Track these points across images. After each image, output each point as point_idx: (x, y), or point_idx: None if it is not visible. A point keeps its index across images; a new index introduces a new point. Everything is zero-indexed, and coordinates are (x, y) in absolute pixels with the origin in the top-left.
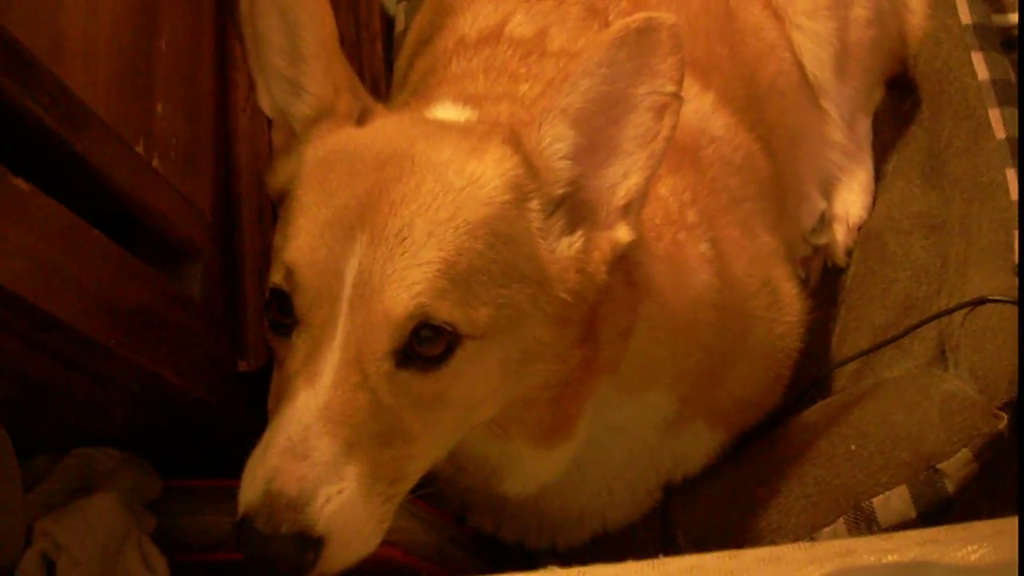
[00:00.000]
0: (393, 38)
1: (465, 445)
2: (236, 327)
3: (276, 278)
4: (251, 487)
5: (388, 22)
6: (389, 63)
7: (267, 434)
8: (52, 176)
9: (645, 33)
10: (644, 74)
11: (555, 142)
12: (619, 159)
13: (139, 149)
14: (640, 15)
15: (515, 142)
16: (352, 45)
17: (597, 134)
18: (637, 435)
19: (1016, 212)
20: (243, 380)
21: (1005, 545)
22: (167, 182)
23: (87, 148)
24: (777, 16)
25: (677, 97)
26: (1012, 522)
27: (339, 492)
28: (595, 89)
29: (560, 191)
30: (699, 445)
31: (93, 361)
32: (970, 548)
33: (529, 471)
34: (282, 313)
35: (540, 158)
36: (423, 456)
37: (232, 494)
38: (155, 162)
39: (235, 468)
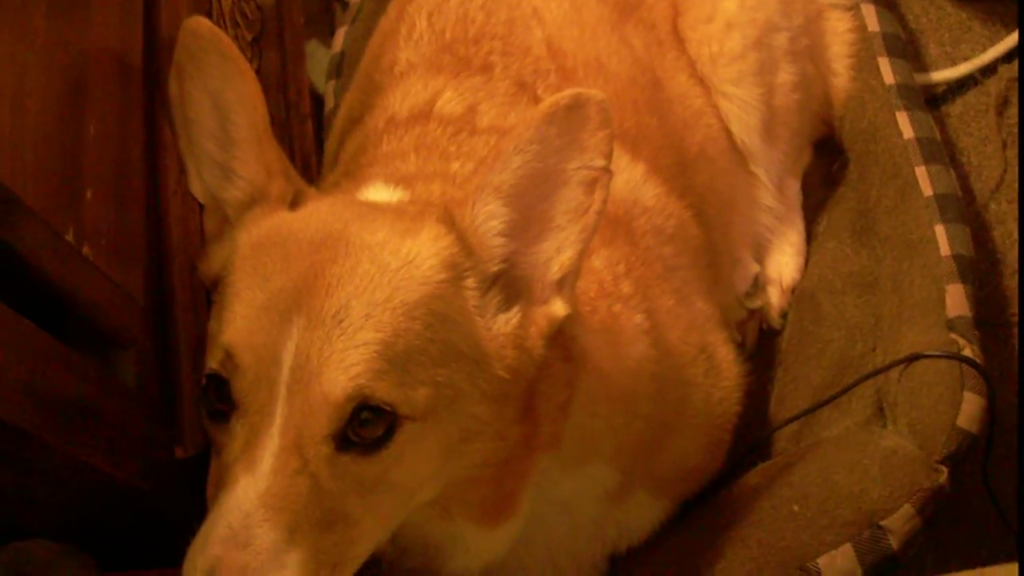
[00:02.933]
0: (323, 117)
1: (408, 526)
2: (172, 414)
3: (213, 363)
4: None
5: (318, 101)
6: (320, 142)
7: (207, 522)
8: None
9: (574, 109)
10: (574, 149)
11: (489, 219)
12: (552, 234)
13: (69, 237)
14: (568, 91)
15: (449, 221)
16: (282, 125)
17: (530, 210)
18: (580, 508)
19: (947, 268)
20: (180, 467)
21: None
22: (98, 270)
23: (16, 237)
24: (703, 84)
25: (607, 171)
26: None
27: None
28: (527, 166)
29: (495, 268)
30: (643, 515)
31: (24, 453)
32: None
33: (473, 550)
34: (219, 399)
35: (475, 236)
36: (366, 540)
37: None
38: (85, 250)
39: (175, 557)
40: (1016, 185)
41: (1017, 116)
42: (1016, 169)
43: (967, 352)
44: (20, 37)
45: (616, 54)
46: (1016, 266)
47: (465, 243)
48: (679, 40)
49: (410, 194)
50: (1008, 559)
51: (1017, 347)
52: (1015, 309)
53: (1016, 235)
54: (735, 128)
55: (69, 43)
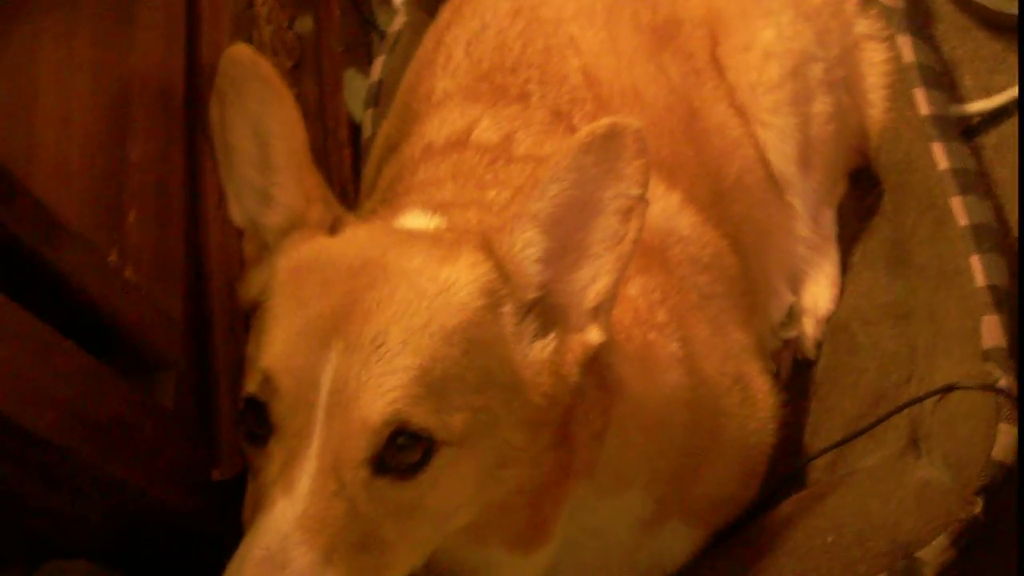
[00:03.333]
0: (360, 144)
1: (442, 552)
2: (209, 435)
3: (251, 387)
4: None
5: (355, 129)
6: (357, 170)
7: (244, 544)
8: (25, 287)
9: (610, 138)
10: (610, 178)
11: (526, 247)
12: (588, 262)
13: (112, 259)
14: (605, 120)
15: (487, 248)
16: (319, 152)
17: (566, 238)
18: (613, 536)
19: (982, 298)
20: (217, 489)
21: None
22: (140, 292)
23: (60, 259)
24: (741, 114)
25: (643, 200)
26: None
27: None
28: (564, 194)
29: (532, 295)
30: (676, 544)
31: (65, 472)
32: None
33: None
34: (257, 422)
35: (512, 263)
36: (401, 564)
37: None
38: (128, 272)
39: None
40: None
41: None
42: None
43: (1003, 383)
44: (66, 63)
45: (653, 83)
46: None
47: (503, 270)
48: (717, 69)
49: (447, 221)
50: None
51: None
52: None
53: None
54: (772, 157)
55: (113, 69)
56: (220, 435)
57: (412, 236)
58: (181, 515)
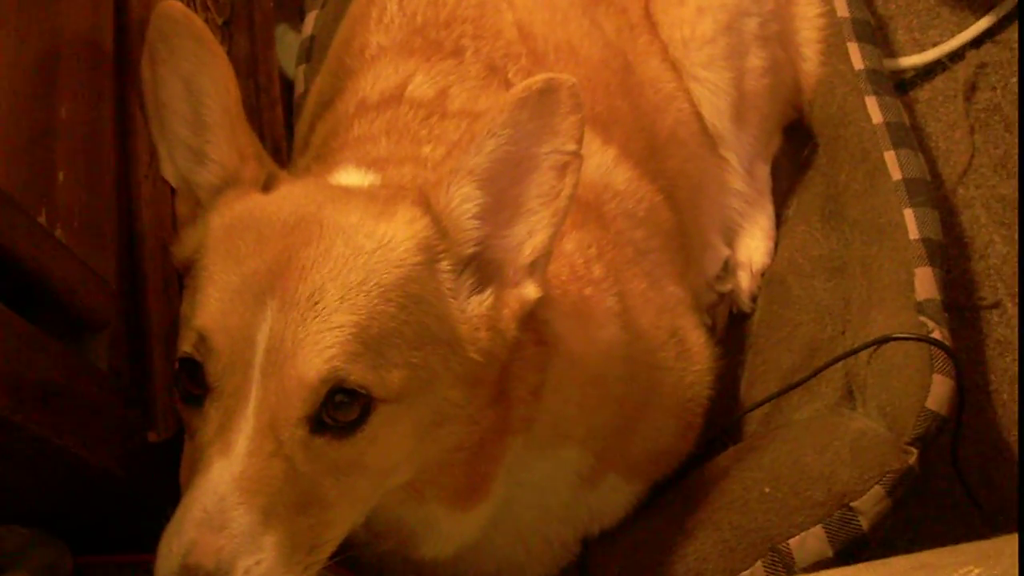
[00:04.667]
0: (293, 101)
1: (381, 510)
2: (144, 397)
3: (186, 347)
4: (167, 561)
5: (287, 85)
6: (290, 127)
7: (181, 506)
8: None
9: (546, 94)
10: (546, 134)
11: (463, 203)
12: (524, 218)
13: (41, 219)
14: (540, 76)
15: (424, 203)
16: (252, 110)
17: (503, 193)
18: (552, 491)
19: (916, 251)
20: (153, 451)
21: (999, 564)
22: (71, 252)
23: None
24: (675, 68)
25: (578, 156)
26: (1000, 542)
27: (257, 563)
28: (500, 150)
29: (469, 251)
30: (614, 497)
31: None
32: (966, 569)
33: (446, 534)
34: (193, 383)
35: (449, 218)
36: (340, 523)
37: (147, 569)
38: (58, 232)
39: (149, 542)
40: (983, 170)
41: (984, 102)
42: (983, 155)
43: (936, 335)
44: None
45: (587, 37)
46: (983, 251)
47: (440, 226)
48: (651, 24)
49: (382, 178)
50: (976, 538)
51: (984, 331)
52: (982, 293)
53: (984, 219)
54: (706, 112)
55: (40, 26)
56: (155, 397)
57: (348, 193)
58: (117, 478)
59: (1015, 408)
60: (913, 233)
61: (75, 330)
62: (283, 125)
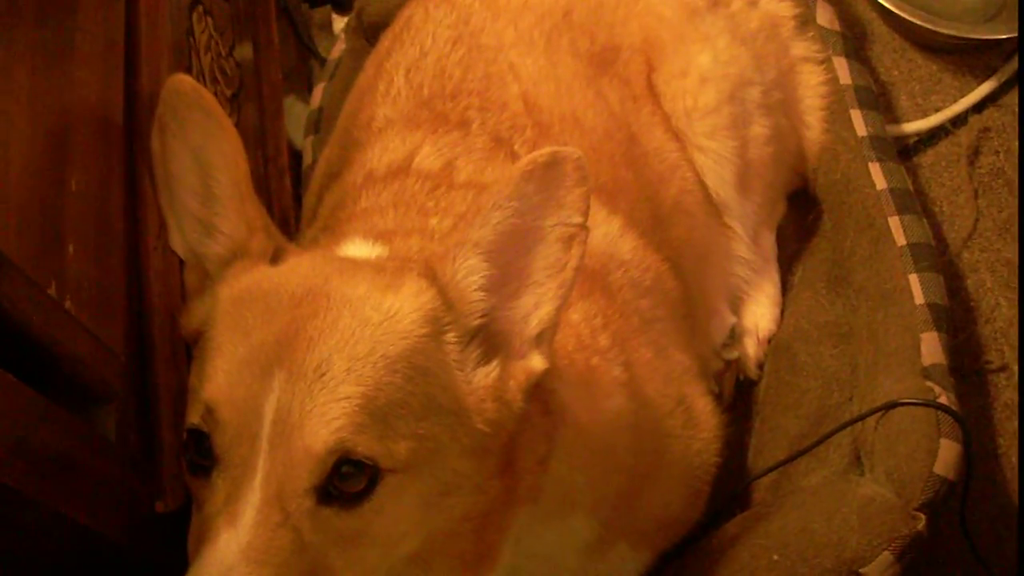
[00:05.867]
0: (301, 172)
1: None
2: (152, 468)
3: (194, 418)
4: None
5: (296, 156)
6: (298, 197)
7: None
8: None
9: (551, 167)
10: (552, 206)
11: (469, 275)
12: (530, 289)
13: (52, 291)
14: (546, 149)
15: (430, 275)
16: (260, 180)
17: (509, 265)
18: (560, 561)
19: (921, 316)
20: (161, 521)
21: None
22: (80, 324)
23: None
24: (678, 138)
25: (584, 228)
26: None
27: None
28: (506, 222)
29: (475, 322)
30: (623, 567)
31: (6, 508)
32: None
33: None
34: (200, 454)
35: (455, 290)
36: None
37: None
38: (68, 303)
39: None
40: (987, 234)
41: (988, 166)
42: (988, 219)
43: (943, 399)
44: (3, 93)
45: (592, 108)
46: (989, 315)
47: (446, 297)
48: (654, 95)
49: (389, 249)
50: None
51: (991, 394)
52: (989, 356)
53: (989, 283)
54: (710, 181)
55: (52, 99)
56: (163, 467)
57: (355, 264)
58: (125, 549)
59: None
60: (919, 298)
61: (84, 401)
62: (291, 195)
